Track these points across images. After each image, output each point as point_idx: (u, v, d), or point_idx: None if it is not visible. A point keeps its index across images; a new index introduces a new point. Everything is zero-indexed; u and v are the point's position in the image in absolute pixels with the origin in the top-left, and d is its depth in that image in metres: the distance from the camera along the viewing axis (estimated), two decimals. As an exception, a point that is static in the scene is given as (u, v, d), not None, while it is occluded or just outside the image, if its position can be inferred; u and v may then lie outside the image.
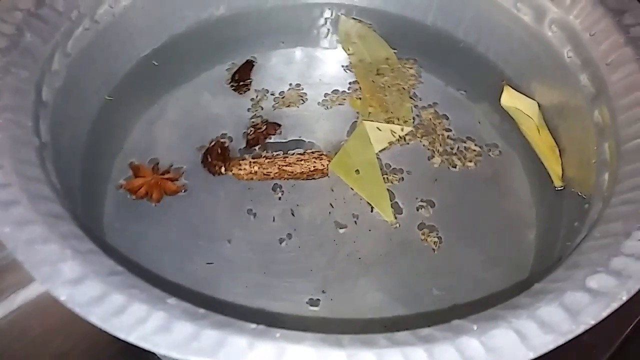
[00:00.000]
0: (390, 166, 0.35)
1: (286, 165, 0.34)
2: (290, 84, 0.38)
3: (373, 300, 0.30)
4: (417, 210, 0.33)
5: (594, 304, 0.19)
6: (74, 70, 0.30)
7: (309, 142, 0.36)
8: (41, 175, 0.24)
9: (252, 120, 0.36)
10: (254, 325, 0.20)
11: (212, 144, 0.35)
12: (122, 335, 0.18)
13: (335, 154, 0.35)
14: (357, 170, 0.34)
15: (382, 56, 0.40)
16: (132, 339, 0.18)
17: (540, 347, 0.18)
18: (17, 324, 0.33)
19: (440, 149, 0.36)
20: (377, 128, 0.36)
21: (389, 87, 0.39)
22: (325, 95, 0.38)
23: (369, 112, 0.37)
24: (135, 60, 0.36)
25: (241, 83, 0.38)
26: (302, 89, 0.38)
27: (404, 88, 0.39)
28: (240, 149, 0.35)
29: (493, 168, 0.36)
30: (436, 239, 0.32)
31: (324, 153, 0.35)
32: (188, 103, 0.36)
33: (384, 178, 0.34)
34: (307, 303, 0.30)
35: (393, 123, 0.37)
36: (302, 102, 0.38)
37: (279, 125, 0.36)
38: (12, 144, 0.24)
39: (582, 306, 0.19)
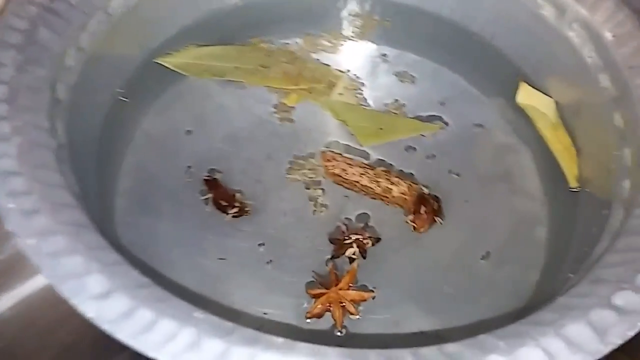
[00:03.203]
0: (386, 103, 0.37)
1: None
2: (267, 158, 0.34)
3: (383, 295, 0.30)
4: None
5: (621, 323, 0.19)
6: (88, 65, 0.30)
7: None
8: (60, 180, 0.24)
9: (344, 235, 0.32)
10: (281, 340, 0.20)
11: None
12: (152, 354, 0.18)
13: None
14: (380, 128, 0.35)
15: (236, 56, 0.37)
16: (162, 357, 0.18)
17: (569, 366, 0.19)
18: (23, 315, 0.33)
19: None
20: (338, 94, 0.37)
21: (287, 65, 0.38)
22: (273, 114, 0.36)
23: (310, 93, 0.37)
24: (147, 52, 0.35)
25: (235, 206, 0.32)
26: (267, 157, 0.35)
27: (297, 57, 0.38)
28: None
29: (506, 165, 0.36)
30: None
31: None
32: (199, 94, 0.36)
33: (393, 115, 0.36)
34: (285, 294, 0.30)
35: (335, 85, 0.37)
36: (313, 169, 0.34)
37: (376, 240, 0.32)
38: (31, 149, 0.23)
39: (609, 324, 0.19)
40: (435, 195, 0.33)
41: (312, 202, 0.33)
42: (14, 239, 0.21)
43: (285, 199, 0.33)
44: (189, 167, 0.33)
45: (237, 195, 0.32)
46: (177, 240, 0.31)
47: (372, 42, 0.39)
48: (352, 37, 0.39)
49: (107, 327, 0.19)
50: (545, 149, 0.35)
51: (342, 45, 0.39)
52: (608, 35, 0.31)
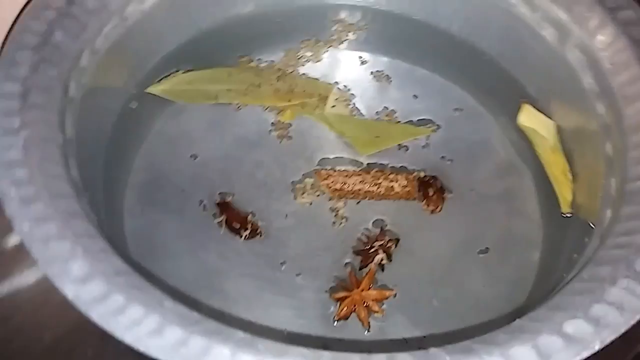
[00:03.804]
0: (379, 111, 0.38)
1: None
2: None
3: (406, 291, 0.32)
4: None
5: (565, 350, 0.20)
6: (102, 66, 0.32)
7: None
8: (62, 172, 0.25)
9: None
10: (242, 334, 0.21)
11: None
12: (118, 335, 0.20)
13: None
14: (377, 136, 0.36)
15: (226, 78, 0.37)
16: (127, 339, 0.20)
17: (506, 387, 0.19)
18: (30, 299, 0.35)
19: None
20: (331, 107, 0.37)
21: (278, 82, 0.38)
22: (270, 132, 0.37)
23: (303, 108, 0.37)
24: (161, 55, 0.37)
25: (248, 228, 0.33)
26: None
27: (286, 73, 0.38)
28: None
29: (505, 185, 0.36)
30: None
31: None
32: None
33: (386, 122, 0.37)
34: (311, 301, 0.31)
35: (326, 99, 0.37)
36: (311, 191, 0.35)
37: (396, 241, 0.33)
38: (38, 142, 0.25)
39: (554, 350, 0.20)
40: (432, 175, 0.35)
41: (334, 213, 0.34)
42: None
43: (297, 216, 0.34)
44: (201, 200, 0.34)
45: (249, 217, 0.33)
46: (188, 256, 0.32)
47: (357, 50, 0.40)
48: (332, 45, 0.40)
49: (83, 308, 0.20)
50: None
51: (324, 53, 0.39)
52: (606, 63, 0.31)
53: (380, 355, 0.21)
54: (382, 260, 0.32)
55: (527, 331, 0.21)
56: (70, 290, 0.21)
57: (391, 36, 0.40)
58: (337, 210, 0.34)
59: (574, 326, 0.21)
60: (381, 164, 0.36)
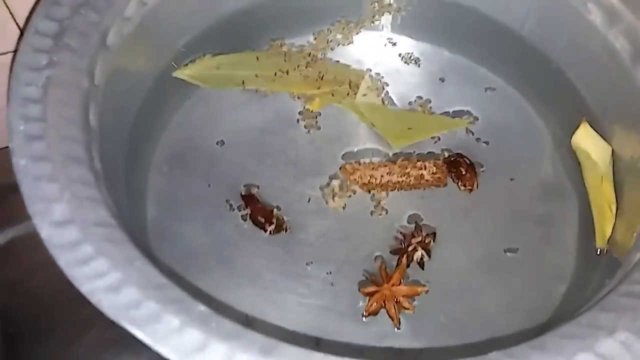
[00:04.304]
0: (412, 101, 0.36)
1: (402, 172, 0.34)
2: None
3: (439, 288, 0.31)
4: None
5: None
6: (148, 20, 0.31)
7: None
8: (78, 116, 0.26)
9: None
10: (202, 307, 0.21)
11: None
12: (77, 284, 0.20)
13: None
14: (409, 128, 0.35)
15: (254, 63, 0.35)
16: (83, 290, 0.20)
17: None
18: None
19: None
20: (362, 95, 0.35)
21: (307, 68, 0.36)
22: (298, 122, 0.35)
23: (333, 96, 0.35)
24: (210, 20, 0.36)
25: (273, 222, 0.32)
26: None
27: (316, 59, 0.36)
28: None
29: (548, 206, 0.34)
30: None
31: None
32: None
33: (420, 113, 0.36)
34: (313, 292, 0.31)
35: (357, 87, 0.35)
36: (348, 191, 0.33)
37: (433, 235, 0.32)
38: (60, 83, 0.26)
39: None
40: (457, 153, 0.34)
41: (374, 203, 0.33)
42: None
43: (324, 207, 0.33)
44: (227, 200, 0.33)
45: (275, 210, 0.32)
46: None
47: (393, 33, 0.38)
48: (364, 26, 0.37)
49: (52, 251, 0.21)
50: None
51: (355, 36, 0.37)
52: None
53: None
54: (421, 257, 0.31)
55: (498, 367, 0.19)
56: (45, 232, 0.21)
57: (445, 27, 0.37)
58: (380, 201, 0.33)
59: (553, 373, 0.18)
60: (408, 152, 0.35)
